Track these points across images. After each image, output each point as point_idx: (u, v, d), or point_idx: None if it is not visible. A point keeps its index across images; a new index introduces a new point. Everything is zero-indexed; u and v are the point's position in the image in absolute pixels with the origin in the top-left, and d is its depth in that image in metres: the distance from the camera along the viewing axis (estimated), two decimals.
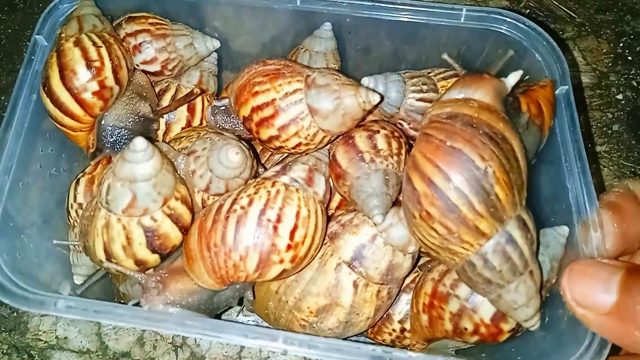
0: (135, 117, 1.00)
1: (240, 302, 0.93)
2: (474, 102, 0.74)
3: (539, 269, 0.77)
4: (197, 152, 0.90)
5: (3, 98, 1.40)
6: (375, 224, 0.85)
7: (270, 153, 1.06)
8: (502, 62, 0.92)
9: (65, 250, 1.02)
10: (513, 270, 0.73)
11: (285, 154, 1.02)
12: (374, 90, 0.86)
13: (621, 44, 1.49)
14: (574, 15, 1.53)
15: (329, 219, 0.91)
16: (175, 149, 0.92)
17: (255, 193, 0.82)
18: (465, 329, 0.83)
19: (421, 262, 0.98)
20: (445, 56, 0.89)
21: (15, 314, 1.15)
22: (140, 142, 0.78)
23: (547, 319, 0.80)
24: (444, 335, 0.87)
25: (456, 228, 0.71)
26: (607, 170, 1.32)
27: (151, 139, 0.85)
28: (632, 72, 1.45)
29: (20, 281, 0.81)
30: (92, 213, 0.84)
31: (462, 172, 0.69)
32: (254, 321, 1.13)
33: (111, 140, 0.98)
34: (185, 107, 1.08)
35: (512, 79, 0.79)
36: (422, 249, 0.82)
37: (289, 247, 0.80)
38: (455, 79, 0.99)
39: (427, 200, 0.71)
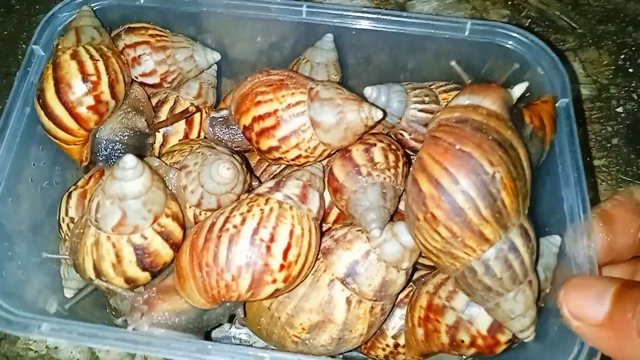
0: (131, 132, 0.99)
1: (231, 319, 0.93)
2: (482, 109, 0.75)
3: (537, 280, 0.77)
4: (189, 167, 0.89)
5: None
6: (369, 239, 0.84)
7: (267, 164, 1.05)
8: (508, 74, 0.92)
9: (55, 264, 1.01)
10: (513, 278, 0.73)
11: (283, 166, 1.00)
12: (377, 107, 0.85)
13: (622, 56, 1.47)
14: (575, 25, 1.51)
15: (322, 234, 0.90)
16: (166, 164, 0.91)
17: (249, 211, 0.81)
18: (462, 341, 0.83)
19: (415, 277, 0.97)
20: (453, 63, 0.89)
21: None
22: (129, 160, 0.77)
23: (538, 330, 0.81)
24: (440, 349, 0.86)
25: (460, 232, 0.71)
26: (605, 185, 1.31)
27: (142, 156, 0.84)
28: (633, 84, 1.43)
29: (5, 301, 0.80)
30: (81, 230, 0.83)
31: (470, 175, 0.70)
32: (246, 334, 1.12)
33: (105, 153, 0.97)
34: None
35: (518, 90, 0.80)
36: (422, 254, 0.81)
37: (282, 267, 0.79)
38: (456, 92, 0.98)
39: (433, 202, 0.71)
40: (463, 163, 0.70)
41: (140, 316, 0.82)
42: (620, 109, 1.40)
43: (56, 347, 1.12)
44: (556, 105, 0.91)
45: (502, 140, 0.72)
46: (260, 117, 0.86)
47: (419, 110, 0.95)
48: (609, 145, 1.36)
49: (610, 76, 1.45)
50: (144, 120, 1.01)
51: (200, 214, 0.90)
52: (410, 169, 0.79)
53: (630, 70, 1.45)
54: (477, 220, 0.70)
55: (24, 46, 1.45)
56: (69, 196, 0.98)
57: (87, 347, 1.12)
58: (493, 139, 0.71)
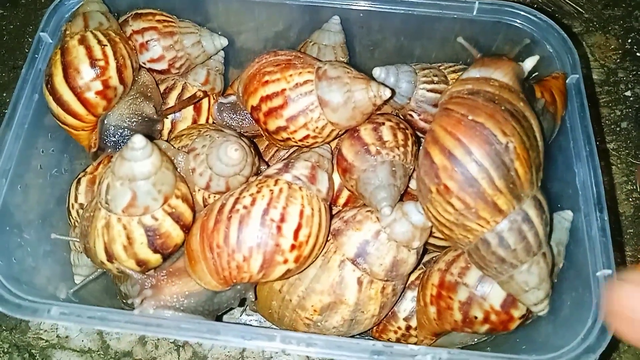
0: (139, 118, 0.99)
1: (242, 303, 0.92)
2: (494, 81, 0.75)
3: (551, 253, 0.77)
4: (197, 150, 0.89)
5: (5, 94, 1.38)
6: (380, 219, 0.84)
7: (275, 149, 1.05)
8: (519, 48, 0.93)
9: (65, 252, 1.01)
10: (527, 249, 0.73)
11: (291, 151, 1.00)
12: (385, 85, 0.85)
13: (629, 40, 1.47)
14: (581, 10, 1.51)
15: (332, 216, 0.89)
16: (174, 147, 0.90)
17: (258, 192, 0.81)
18: (475, 317, 0.82)
19: (426, 258, 0.97)
20: (460, 39, 0.89)
21: None
22: (138, 140, 0.76)
23: (551, 305, 0.81)
24: (453, 326, 0.86)
25: (474, 203, 0.71)
26: (615, 168, 1.30)
27: (151, 137, 0.84)
28: None
29: (14, 287, 0.80)
30: (91, 214, 0.83)
31: (483, 145, 0.70)
32: (256, 320, 1.12)
33: (113, 140, 0.97)
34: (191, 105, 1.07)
35: (529, 63, 0.80)
36: (435, 229, 0.81)
37: (293, 247, 0.79)
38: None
39: (446, 173, 0.71)
40: (476, 133, 0.70)
41: (150, 296, 0.82)
42: (628, 93, 1.40)
43: (67, 336, 1.11)
44: (566, 81, 0.91)
45: (514, 110, 0.71)
46: (268, 97, 0.86)
47: (427, 90, 0.95)
48: (618, 129, 1.35)
49: (618, 60, 1.44)
50: (152, 106, 1.01)
51: (209, 197, 0.90)
52: (422, 143, 0.79)
53: (638, 54, 1.45)
54: (490, 191, 0.70)
55: (30, 40, 1.45)
56: (78, 182, 0.98)
57: (98, 336, 1.11)
58: (506, 109, 0.71)
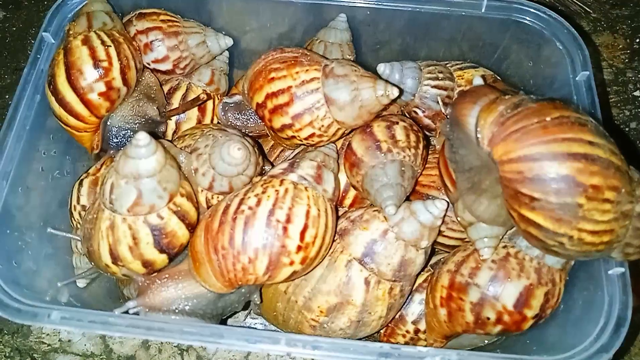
0: (142, 119, 0.98)
1: (246, 307, 0.91)
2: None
3: None
4: (200, 150, 0.88)
5: (7, 97, 1.38)
6: (386, 218, 0.83)
7: (281, 149, 1.04)
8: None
9: (66, 254, 1.00)
10: None
11: (297, 152, 1.00)
12: (393, 84, 0.84)
13: (638, 40, 1.47)
14: (589, 10, 1.51)
15: (338, 216, 0.89)
16: (176, 147, 0.89)
17: (263, 192, 0.80)
18: (488, 318, 0.81)
19: (433, 260, 0.96)
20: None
21: None
22: (143, 137, 0.75)
23: (561, 305, 0.82)
24: (464, 328, 0.85)
25: (620, 183, 0.66)
26: None
27: (155, 135, 0.83)
28: None
29: (14, 291, 0.79)
30: (95, 215, 0.82)
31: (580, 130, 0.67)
32: (261, 324, 1.11)
33: (116, 141, 0.97)
34: None
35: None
36: (592, 248, 0.70)
37: (299, 248, 0.78)
38: (472, 69, 1.01)
39: (584, 175, 0.65)
40: (564, 123, 0.67)
41: (147, 299, 0.82)
42: (637, 93, 1.40)
43: (69, 340, 1.10)
44: (577, 79, 0.92)
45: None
46: (274, 94, 0.85)
47: (432, 87, 0.95)
48: (627, 129, 1.35)
49: (626, 60, 1.44)
50: (155, 107, 1.00)
51: (212, 198, 0.89)
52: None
53: None
54: (619, 161, 0.67)
55: (33, 42, 1.44)
56: (81, 184, 0.97)
57: (100, 340, 1.11)
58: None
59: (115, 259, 0.82)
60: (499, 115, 0.70)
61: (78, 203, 0.96)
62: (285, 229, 0.77)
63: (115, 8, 1.00)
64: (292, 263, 0.78)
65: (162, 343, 1.10)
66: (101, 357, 1.09)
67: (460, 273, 0.84)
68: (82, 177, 0.99)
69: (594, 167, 0.65)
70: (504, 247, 0.83)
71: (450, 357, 0.73)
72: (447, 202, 0.84)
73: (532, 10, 0.98)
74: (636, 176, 0.71)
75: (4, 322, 1.11)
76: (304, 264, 0.79)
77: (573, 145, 0.65)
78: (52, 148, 0.98)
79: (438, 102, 0.95)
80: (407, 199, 0.87)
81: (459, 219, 0.86)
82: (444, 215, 0.83)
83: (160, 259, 0.82)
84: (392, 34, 1.09)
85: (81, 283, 0.98)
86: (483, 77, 0.92)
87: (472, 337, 0.92)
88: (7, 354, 1.09)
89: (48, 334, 1.11)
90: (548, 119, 0.67)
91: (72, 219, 0.97)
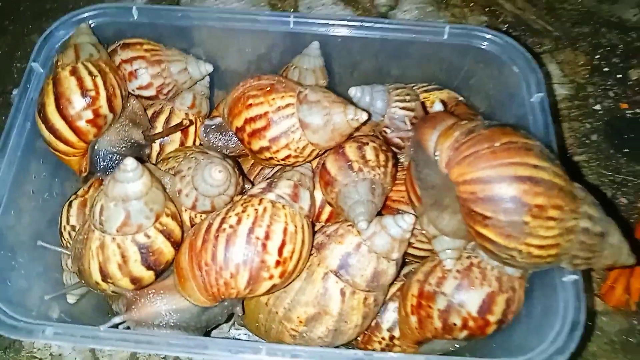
0: (128, 143, 1.02)
1: (229, 319, 0.95)
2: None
3: None
4: (183, 172, 0.93)
5: None
6: (359, 232, 0.88)
7: (260, 168, 1.08)
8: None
9: (56, 272, 1.03)
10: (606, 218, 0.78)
11: (275, 170, 1.04)
12: (362, 109, 0.88)
13: (597, 56, 1.53)
14: (550, 28, 1.57)
15: (315, 231, 0.93)
16: (161, 169, 0.94)
17: (243, 211, 0.84)
18: (454, 324, 0.85)
19: (405, 270, 1.00)
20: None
21: None
22: (130, 162, 0.80)
23: (523, 311, 0.86)
24: (434, 334, 0.89)
25: (562, 202, 0.72)
26: (586, 179, 1.35)
27: (141, 159, 0.88)
28: (609, 83, 1.48)
29: (9, 309, 0.83)
30: (85, 236, 0.86)
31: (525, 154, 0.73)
32: (245, 334, 1.15)
33: (103, 164, 1.00)
34: None
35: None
36: (541, 261, 0.77)
37: (277, 263, 0.82)
38: (436, 91, 1.07)
39: (529, 196, 0.71)
40: (512, 149, 0.73)
41: (134, 313, 0.86)
42: (597, 107, 1.45)
43: (60, 354, 1.13)
44: (531, 100, 0.97)
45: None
46: (252, 119, 0.89)
47: (400, 108, 1.00)
48: (588, 141, 1.41)
49: (587, 76, 1.50)
50: (140, 132, 1.04)
51: (195, 217, 0.94)
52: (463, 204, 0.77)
53: (606, 69, 1.51)
54: (563, 183, 0.72)
55: (18, 65, 1.48)
56: (70, 205, 1.01)
57: (90, 353, 1.14)
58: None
59: (105, 276, 0.85)
60: (455, 140, 0.76)
61: (67, 223, 1.00)
62: (264, 245, 0.81)
63: (100, 38, 1.03)
64: (271, 277, 0.82)
65: (149, 355, 1.14)
66: None
67: (428, 282, 0.88)
68: (71, 199, 1.02)
69: (538, 188, 0.71)
70: (468, 257, 0.87)
71: None
72: (416, 216, 0.88)
73: (488, 36, 1.03)
74: (581, 194, 0.77)
75: None
76: (282, 278, 0.83)
77: (519, 169, 0.71)
78: (42, 171, 1.01)
79: (405, 122, 1.00)
80: (380, 213, 0.92)
81: (424, 232, 0.91)
82: (413, 229, 0.87)
83: (148, 275, 0.86)
84: (363, 57, 1.13)
85: (71, 299, 1.02)
86: (443, 102, 0.98)
87: (442, 343, 0.95)
88: None
89: (39, 349, 1.14)
90: (497, 144, 0.73)
91: (62, 238, 1.01)
